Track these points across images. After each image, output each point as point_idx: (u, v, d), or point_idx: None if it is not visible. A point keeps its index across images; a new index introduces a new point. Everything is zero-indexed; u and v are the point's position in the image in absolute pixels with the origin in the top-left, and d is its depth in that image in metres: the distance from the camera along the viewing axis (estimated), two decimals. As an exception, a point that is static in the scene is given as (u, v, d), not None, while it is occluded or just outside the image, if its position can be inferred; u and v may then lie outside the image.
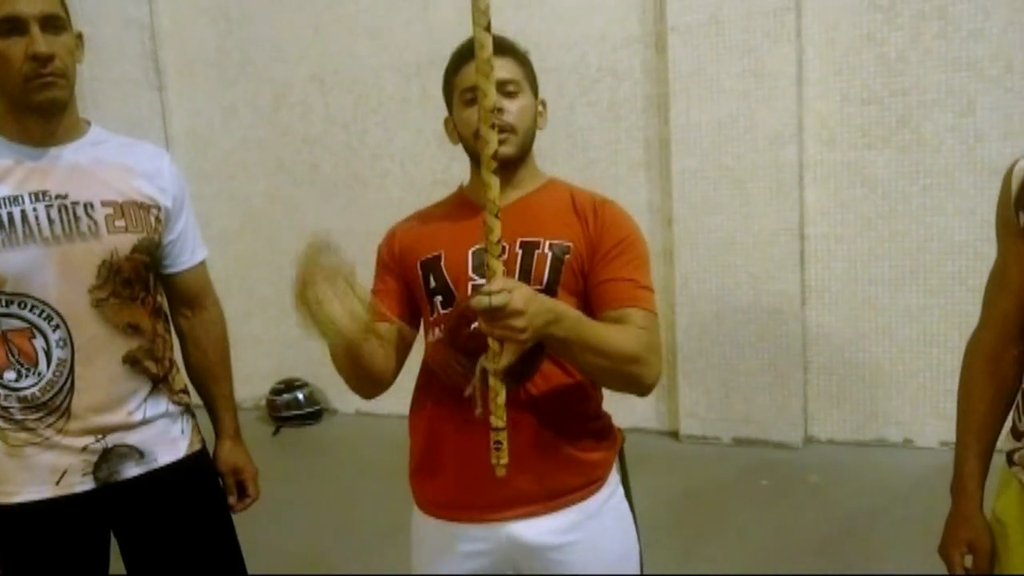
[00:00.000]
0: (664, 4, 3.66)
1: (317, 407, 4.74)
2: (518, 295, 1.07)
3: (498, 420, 1.15)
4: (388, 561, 2.92)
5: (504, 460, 1.17)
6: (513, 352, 1.13)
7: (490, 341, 1.12)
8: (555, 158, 3.93)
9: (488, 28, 1.04)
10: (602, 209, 1.36)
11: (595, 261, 1.31)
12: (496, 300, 1.04)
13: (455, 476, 1.34)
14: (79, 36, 1.42)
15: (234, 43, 4.78)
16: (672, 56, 3.66)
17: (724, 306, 3.75)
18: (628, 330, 1.24)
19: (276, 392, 4.72)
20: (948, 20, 3.33)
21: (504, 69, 1.30)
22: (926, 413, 3.59)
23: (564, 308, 1.17)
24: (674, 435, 3.99)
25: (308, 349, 4.89)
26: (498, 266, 1.09)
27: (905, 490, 3.20)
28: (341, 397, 4.86)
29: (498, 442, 1.16)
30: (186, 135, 4.98)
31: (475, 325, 1.14)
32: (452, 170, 4.42)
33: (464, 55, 1.34)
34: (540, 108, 1.39)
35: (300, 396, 4.70)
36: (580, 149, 4.00)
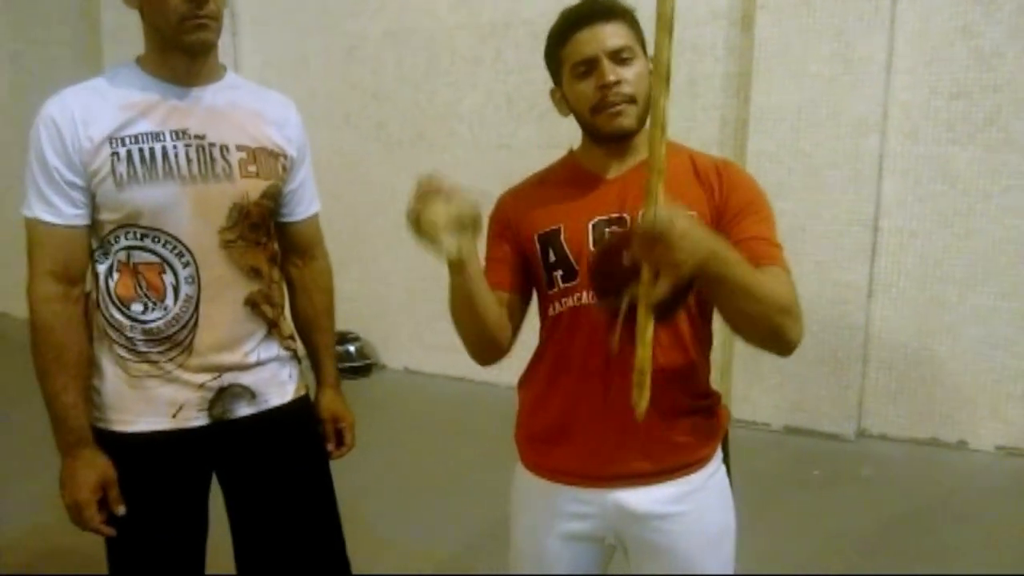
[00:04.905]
0: (755, -19, 3.57)
1: (367, 361, 4.80)
2: (683, 218, 1.04)
3: (644, 356, 1.11)
4: (422, 516, 2.97)
5: (645, 402, 1.13)
6: (668, 283, 1.07)
7: (644, 272, 1.07)
8: (628, 131, 3.89)
9: None
10: (725, 171, 1.34)
11: (723, 224, 1.29)
12: (661, 222, 1.02)
13: (568, 441, 1.36)
14: None
15: (311, -9, 4.76)
16: (758, 34, 3.58)
17: (787, 292, 3.71)
18: (779, 282, 1.21)
19: (328, 343, 4.78)
20: (1051, 16, 3.22)
21: (616, 36, 1.26)
22: (984, 416, 3.53)
23: (724, 245, 1.12)
24: (724, 417, 3.98)
25: (363, 304, 4.99)
26: (661, 191, 1.06)
27: (956, 491, 3.17)
28: (390, 353, 4.92)
29: (641, 381, 1.12)
30: (255, 82, 4.96)
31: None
32: (519, 135, 4.40)
33: (572, 23, 1.29)
34: (651, 67, 1.34)
35: (351, 349, 4.77)
36: (653, 124, 3.95)
